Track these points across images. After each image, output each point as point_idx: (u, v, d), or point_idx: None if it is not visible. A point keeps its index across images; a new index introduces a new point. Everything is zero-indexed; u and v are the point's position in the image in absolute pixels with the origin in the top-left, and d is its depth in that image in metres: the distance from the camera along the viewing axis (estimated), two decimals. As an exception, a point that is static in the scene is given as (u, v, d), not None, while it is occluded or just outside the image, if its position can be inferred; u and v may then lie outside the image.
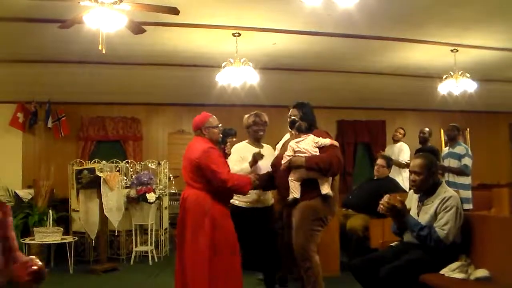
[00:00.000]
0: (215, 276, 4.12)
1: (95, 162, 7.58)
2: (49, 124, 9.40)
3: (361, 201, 6.25)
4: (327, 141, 4.46)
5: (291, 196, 4.35)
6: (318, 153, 4.39)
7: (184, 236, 4.25)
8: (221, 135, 4.67)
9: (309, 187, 4.37)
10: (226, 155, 4.77)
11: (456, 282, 3.62)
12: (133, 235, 7.27)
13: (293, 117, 4.60)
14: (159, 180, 7.61)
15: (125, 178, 7.48)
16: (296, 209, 4.38)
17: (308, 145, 4.43)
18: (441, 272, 3.78)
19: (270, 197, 5.00)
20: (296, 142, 4.48)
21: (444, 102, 8.54)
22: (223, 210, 4.30)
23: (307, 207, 4.33)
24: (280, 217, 5.18)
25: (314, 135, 4.49)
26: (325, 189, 4.35)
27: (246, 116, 5.00)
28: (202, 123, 4.49)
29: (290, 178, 4.40)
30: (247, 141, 5.01)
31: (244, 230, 4.61)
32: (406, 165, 7.44)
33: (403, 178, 7.63)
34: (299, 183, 4.37)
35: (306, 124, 4.54)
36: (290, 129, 4.66)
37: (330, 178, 4.44)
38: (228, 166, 4.49)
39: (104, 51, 5.24)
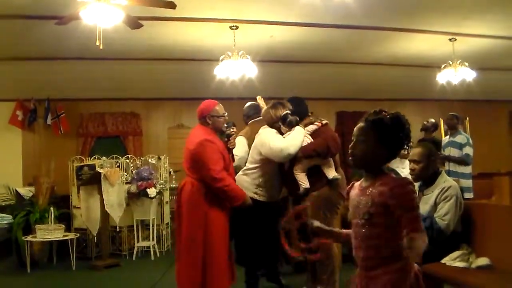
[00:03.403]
0: (206, 268, 4.10)
1: (95, 158, 7.60)
2: (49, 121, 9.40)
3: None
4: (313, 127, 4.50)
5: (302, 188, 4.35)
6: (311, 140, 4.40)
7: (181, 227, 4.24)
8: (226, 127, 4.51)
9: (315, 176, 4.37)
10: (230, 150, 4.59)
11: (458, 270, 3.62)
12: (134, 231, 7.29)
13: (283, 114, 4.53)
14: (160, 175, 7.62)
15: (126, 173, 7.49)
16: (306, 201, 4.37)
17: None
18: (442, 261, 3.78)
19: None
20: None
21: (443, 91, 8.52)
22: (217, 202, 4.21)
23: (318, 197, 4.34)
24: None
25: (301, 125, 4.49)
26: (331, 173, 4.37)
27: (272, 108, 4.62)
28: (207, 111, 4.36)
29: (294, 172, 4.40)
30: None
31: (260, 224, 4.60)
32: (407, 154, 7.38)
33: (404, 167, 7.60)
34: (305, 173, 4.38)
35: (296, 117, 4.51)
36: (282, 125, 4.57)
37: (332, 161, 4.44)
38: (225, 163, 4.30)
39: (101, 47, 5.22)
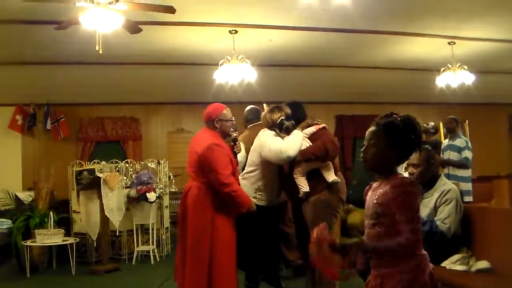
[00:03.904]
0: (212, 273, 4.04)
1: (94, 162, 7.59)
2: (48, 126, 9.40)
3: (361, 196, 6.24)
4: (311, 129, 4.48)
5: (302, 192, 4.34)
6: (310, 143, 4.40)
7: (185, 232, 4.15)
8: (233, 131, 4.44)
9: (315, 180, 4.37)
10: (235, 154, 4.56)
11: (458, 274, 3.62)
12: (134, 235, 7.28)
13: (279, 120, 4.51)
14: (159, 179, 7.62)
15: (125, 178, 7.48)
16: (306, 205, 4.37)
17: None
18: (442, 264, 3.78)
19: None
20: None
21: (442, 94, 8.53)
22: (224, 206, 4.14)
23: (318, 201, 4.34)
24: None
25: (298, 129, 4.48)
26: (330, 176, 4.36)
27: (268, 112, 4.60)
28: (215, 115, 4.27)
29: (294, 176, 4.40)
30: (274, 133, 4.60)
31: (260, 228, 4.59)
32: None
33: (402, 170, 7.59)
34: (304, 177, 4.37)
35: (292, 121, 4.49)
36: (279, 131, 4.54)
37: (331, 164, 4.43)
38: (233, 167, 4.24)
39: (101, 52, 5.23)
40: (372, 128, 2.35)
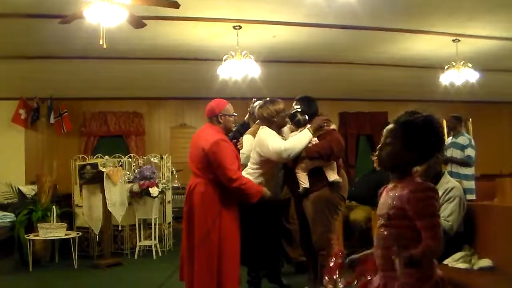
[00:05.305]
0: (221, 271, 4.02)
1: (97, 157, 7.60)
2: (51, 120, 9.41)
3: (364, 193, 6.24)
4: (321, 132, 4.48)
5: (301, 188, 4.35)
6: (317, 141, 4.39)
7: (192, 230, 4.08)
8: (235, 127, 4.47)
9: (316, 177, 4.37)
10: (238, 150, 4.55)
11: (460, 272, 3.62)
12: (136, 230, 7.29)
13: (293, 111, 4.53)
14: (162, 174, 7.63)
15: (128, 172, 7.49)
16: (307, 201, 4.38)
17: None
18: (445, 262, 3.78)
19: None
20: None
21: (446, 92, 8.51)
22: (230, 203, 4.11)
23: (318, 198, 4.34)
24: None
25: (309, 129, 4.47)
26: (332, 176, 4.36)
27: (270, 104, 4.58)
28: (218, 110, 4.24)
29: (296, 171, 4.41)
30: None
31: (262, 223, 4.59)
32: None
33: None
34: (306, 173, 4.38)
35: (305, 117, 4.48)
36: (290, 123, 4.58)
37: (335, 164, 4.43)
38: (238, 163, 4.22)
39: (105, 46, 5.22)
40: (390, 126, 2.25)
